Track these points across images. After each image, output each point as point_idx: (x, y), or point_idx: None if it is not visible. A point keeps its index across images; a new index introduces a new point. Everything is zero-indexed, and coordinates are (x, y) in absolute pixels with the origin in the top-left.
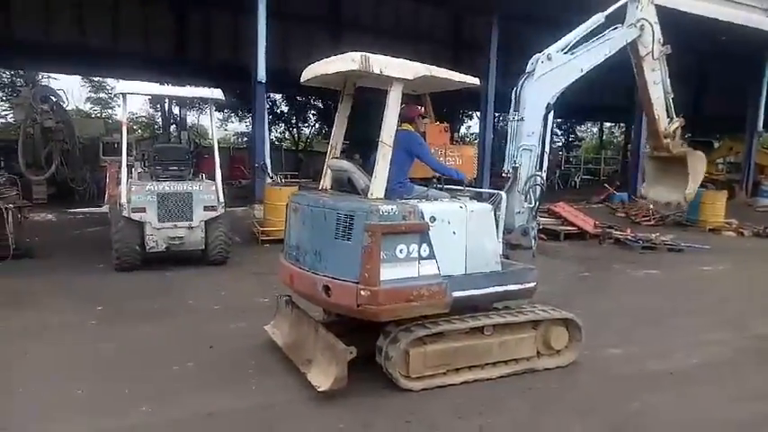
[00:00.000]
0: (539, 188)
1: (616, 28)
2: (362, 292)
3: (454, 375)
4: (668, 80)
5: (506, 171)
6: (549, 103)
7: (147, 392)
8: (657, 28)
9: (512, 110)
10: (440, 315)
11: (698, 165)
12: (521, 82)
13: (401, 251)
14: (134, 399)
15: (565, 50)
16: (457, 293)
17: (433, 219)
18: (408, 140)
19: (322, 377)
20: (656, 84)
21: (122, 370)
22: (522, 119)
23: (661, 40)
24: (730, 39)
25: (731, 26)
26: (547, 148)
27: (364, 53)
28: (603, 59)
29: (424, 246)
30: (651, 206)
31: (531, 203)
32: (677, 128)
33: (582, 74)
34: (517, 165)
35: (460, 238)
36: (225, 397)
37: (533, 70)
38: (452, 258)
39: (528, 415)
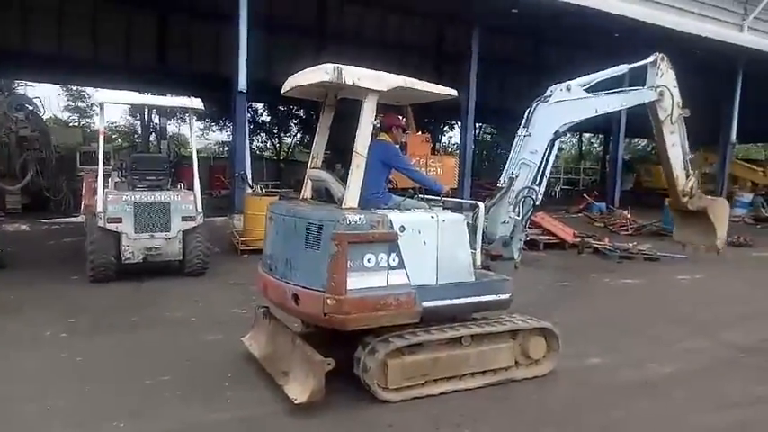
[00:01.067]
0: (531, 200)
1: (638, 88)
2: (329, 301)
3: (432, 386)
4: (686, 142)
5: (502, 182)
6: (557, 130)
7: (121, 407)
8: (677, 92)
9: (521, 126)
10: (416, 325)
11: (720, 212)
12: (535, 104)
13: (369, 260)
14: (106, 414)
15: (585, 87)
16: (427, 303)
17: (402, 228)
18: (384, 151)
19: (299, 389)
20: (675, 146)
21: (95, 384)
22: (529, 134)
23: (680, 104)
24: (704, 52)
25: (704, 40)
26: (548, 172)
27: (337, 65)
28: (618, 108)
29: (393, 255)
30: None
31: (518, 215)
32: (693, 184)
33: (595, 114)
34: (514, 176)
35: (431, 247)
36: (200, 410)
37: (550, 95)
38: (423, 268)
39: (506, 425)
